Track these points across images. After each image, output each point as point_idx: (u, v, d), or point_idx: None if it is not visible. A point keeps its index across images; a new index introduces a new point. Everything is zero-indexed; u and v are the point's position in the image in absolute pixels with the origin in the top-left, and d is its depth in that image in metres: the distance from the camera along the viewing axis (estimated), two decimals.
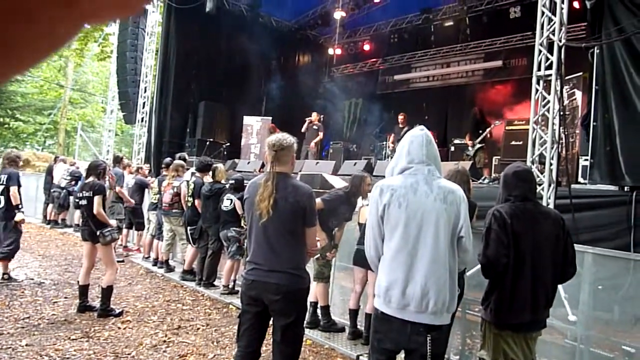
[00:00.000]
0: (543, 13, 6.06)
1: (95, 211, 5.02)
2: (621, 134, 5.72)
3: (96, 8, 0.22)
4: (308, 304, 5.01)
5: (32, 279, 6.49)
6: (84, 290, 5.24)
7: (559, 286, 4.06)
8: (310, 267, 4.96)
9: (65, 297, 5.72)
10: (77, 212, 10.67)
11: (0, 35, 0.21)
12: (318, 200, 4.49)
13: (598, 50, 6.19)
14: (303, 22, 14.53)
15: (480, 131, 8.84)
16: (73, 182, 10.67)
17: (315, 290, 4.93)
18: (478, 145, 8.84)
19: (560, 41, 5.86)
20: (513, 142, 8.84)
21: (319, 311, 5.04)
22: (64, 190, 10.88)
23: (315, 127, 11.27)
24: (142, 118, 12.93)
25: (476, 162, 8.76)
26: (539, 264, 2.81)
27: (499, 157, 9.04)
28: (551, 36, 5.96)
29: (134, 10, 0.24)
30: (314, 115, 11.38)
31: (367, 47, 14.57)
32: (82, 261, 5.56)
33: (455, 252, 2.46)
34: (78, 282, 5.30)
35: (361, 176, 4.95)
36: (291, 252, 2.87)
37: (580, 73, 7.98)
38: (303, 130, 11.13)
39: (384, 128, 12.46)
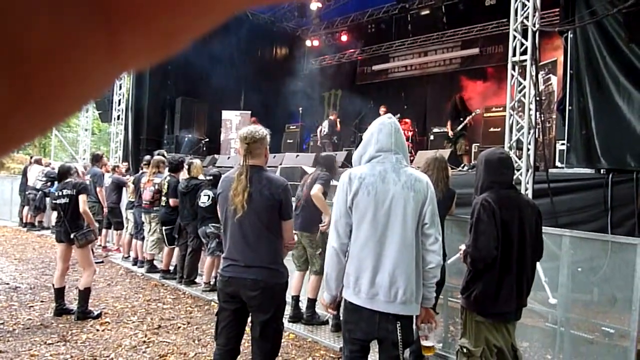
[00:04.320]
0: None
1: (81, 210, 4.91)
2: (596, 118, 5.77)
3: (139, 49, 0.21)
4: (290, 298, 5.00)
5: (8, 284, 6.33)
6: (60, 293, 5.11)
7: (540, 270, 4.09)
8: (302, 262, 4.94)
9: (42, 301, 5.58)
10: (54, 214, 10.49)
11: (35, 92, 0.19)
12: (318, 185, 4.46)
13: (572, 35, 6.22)
14: (279, 15, 14.38)
15: (461, 119, 8.86)
16: (49, 183, 10.43)
17: (309, 284, 4.93)
18: (459, 133, 8.87)
19: (534, 26, 5.88)
20: (491, 129, 8.88)
21: (301, 304, 5.01)
22: (40, 192, 10.65)
23: (338, 127, 11.64)
24: (118, 116, 12.68)
25: (457, 150, 8.80)
26: (524, 252, 2.80)
27: (478, 144, 9.07)
28: (525, 21, 5.97)
29: (170, 53, 0.22)
30: (335, 114, 11.77)
31: (344, 38, 14.48)
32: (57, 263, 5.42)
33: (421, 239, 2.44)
34: (53, 285, 5.17)
35: (333, 156, 5.09)
36: (268, 247, 2.81)
37: (555, 58, 8.04)
38: (327, 129, 11.49)
39: (364, 119, 12.43)
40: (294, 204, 4.90)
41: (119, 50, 0.20)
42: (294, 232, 4.79)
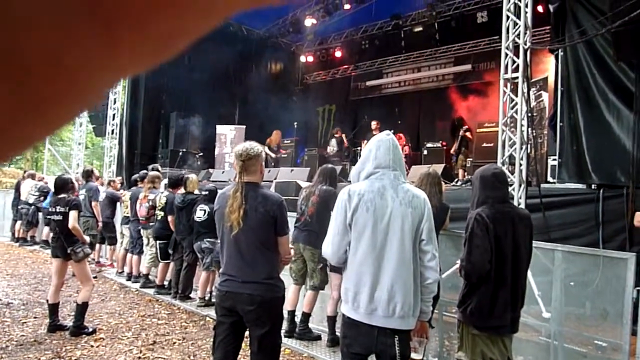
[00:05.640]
0: (508, 17, 6.20)
1: (70, 225, 4.91)
2: (587, 134, 5.90)
3: (137, 53, 0.21)
4: (285, 312, 5.02)
5: (0, 300, 6.29)
6: (54, 309, 5.10)
7: (533, 284, 4.15)
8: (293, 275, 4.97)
9: (35, 317, 5.55)
10: (46, 229, 10.44)
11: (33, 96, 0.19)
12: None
13: (562, 53, 6.38)
14: (274, 30, 14.53)
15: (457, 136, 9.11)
16: (42, 198, 10.40)
17: (306, 298, 4.96)
18: (459, 150, 9.10)
19: (525, 44, 6.01)
20: (484, 144, 8.99)
21: (296, 319, 5.03)
22: (32, 207, 10.60)
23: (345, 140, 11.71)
24: (113, 130, 12.71)
25: (458, 166, 9.02)
26: (518, 265, 2.86)
27: (471, 159, 9.19)
28: (517, 39, 6.11)
29: (169, 56, 0.23)
30: (339, 131, 11.86)
31: (338, 54, 14.65)
32: (52, 279, 5.41)
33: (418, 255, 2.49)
34: (47, 300, 5.16)
35: (335, 169, 5.17)
36: (264, 263, 2.85)
37: (547, 75, 8.20)
38: (333, 145, 11.70)
39: (358, 134, 12.54)
40: (297, 218, 4.96)
41: (119, 53, 0.20)
42: (295, 244, 4.88)
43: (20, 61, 0.18)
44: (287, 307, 5.01)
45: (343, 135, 11.80)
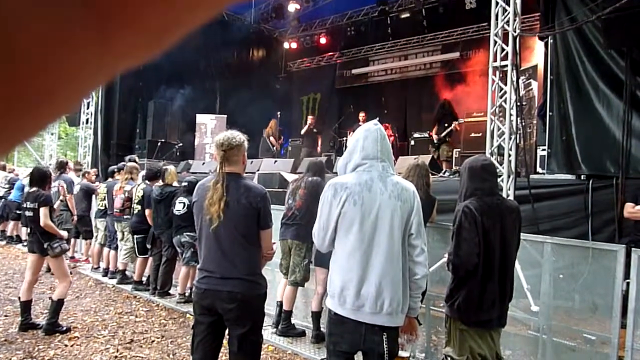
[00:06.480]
0: (497, 3, 6.19)
1: (42, 224, 4.80)
2: (576, 124, 5.94)
3: (130, 46, 0.21)
4: (276, 304, 5.01)
5: None
6: (26, 306, 5.00)
7: (522, 277, 4.18)
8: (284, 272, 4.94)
9: (6, 315, 5.44)
10: (12, 223, 10.27)
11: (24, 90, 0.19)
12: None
13: (552, 40, 6.40)
14: (256, 16, 14.38)
15: (446, 124, 8.94)
16: (11, 191, 10.20)
17: (286, 295, 4.92)
18: (443, 139, 8.96)
19: (514, 31, 6.01)
20: (472, 134, 9.04)
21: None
22: (2, 200, 10.39)
23: (315, 129, 11.53)
24: (87, 119, 12.49)
25: (440, 156, 8.89)
26: (506, 259, 2.88)
27: (459, 149, 9.21)
28: (506, 26, 6.11)
29: (161, 50, 0.22)
30: (311, 119, 11.67)
31: (323, 41, 14.57)
32: (24, 275, 5.30)
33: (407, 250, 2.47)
34: (19, 298, 5.06)
35: (322, 161, 5.23)
36: (245, 258, 2.80)
37: (536, 63, 8.24)
38: (303, 132, 11.50)
39: (344, 123, 12.51)
40: (285, 213, 4.93)
41: (110, 47, 0.21)
42: (282, 241, 4.85)
43: (11, 53, 0.18)
44: (276, 299, 5.01)
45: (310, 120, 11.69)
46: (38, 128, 0.21)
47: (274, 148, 11.66)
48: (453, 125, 8.77)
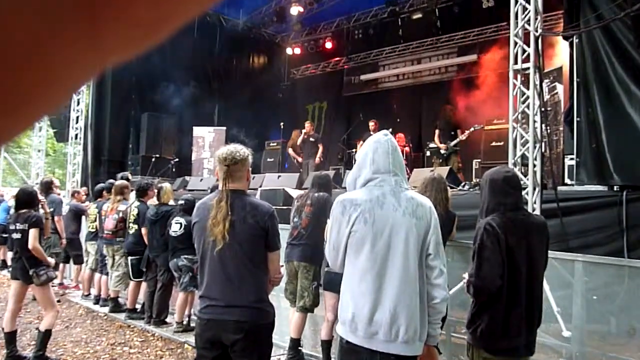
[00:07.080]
0: (517, 1, 6.22)
1: (30, 246, 4.83)
2: (607, 130, 5.90)
3: (120, 40, 0.22)
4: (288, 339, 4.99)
5: None
6: (11, 337, 5.03)
7: (551, 299, 4.15)
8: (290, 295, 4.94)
9: None
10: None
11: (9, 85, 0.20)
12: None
13: (577, 40, 6.40)
14: (256, 20, 14.53)
15: (452, 132, 8.97)
16: None
17: (294, 322, 4.91)
18: (452, 149, 8.98)
19: (536, 31, 6.03)
20: (493, 143, 9.02)
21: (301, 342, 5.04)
22: None
23: (312, 138, 11.49)
24: (76, 135, 12.59)
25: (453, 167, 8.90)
26: (533, 280, 2.85)
27: (479, 160, 9.20)
28: (526, 26, 6.13)
29: (152, 44, 0.24)
30: (308, 126, 11.67)
31: (329, 45, 14.65)
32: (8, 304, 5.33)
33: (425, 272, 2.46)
34: (2, 329, 5.08)
35: (326, 174, 5.29)
36: (252, 283, 2.79)
37: (561, 65, 8.25)
38: (298, 143, 11.50)
39: (353, 134, 12.53)
40: (290, 233, 4.94)
41: (102, 40, 0.22)
42: (289, 263, 4.85)
43: (4, 49, 0.19)
44: (291, 334, 4.98)
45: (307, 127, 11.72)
46: (26, 125, 0.22)
47: (295, 161, 11.69)
48: (467, 133, 8.77)
